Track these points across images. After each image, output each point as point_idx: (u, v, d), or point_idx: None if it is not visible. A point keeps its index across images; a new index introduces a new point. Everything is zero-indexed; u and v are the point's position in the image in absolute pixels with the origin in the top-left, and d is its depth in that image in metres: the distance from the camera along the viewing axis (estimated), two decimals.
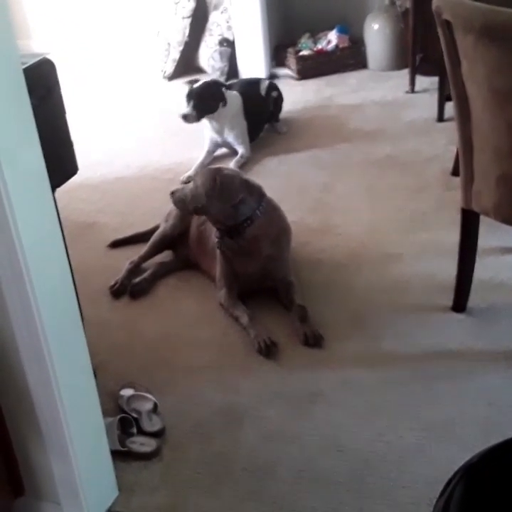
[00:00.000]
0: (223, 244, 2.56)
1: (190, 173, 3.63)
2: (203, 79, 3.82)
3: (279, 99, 4.04)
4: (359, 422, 2.04)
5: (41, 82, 1.85)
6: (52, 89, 1.92)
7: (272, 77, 4.29)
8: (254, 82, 4.04)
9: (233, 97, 3.74)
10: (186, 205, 2.58)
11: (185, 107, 3.59)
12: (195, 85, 3.64)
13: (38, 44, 5.55)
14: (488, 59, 1.94)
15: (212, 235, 2.66)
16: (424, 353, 2.28)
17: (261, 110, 3.92)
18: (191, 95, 3.59)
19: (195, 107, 3.58)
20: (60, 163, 1.94)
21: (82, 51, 5.65)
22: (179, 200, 2.59)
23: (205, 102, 3.60)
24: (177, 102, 4.64)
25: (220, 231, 2.56)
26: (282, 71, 4.71)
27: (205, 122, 3.71)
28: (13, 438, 1.74)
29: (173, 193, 2.61)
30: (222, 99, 3.66)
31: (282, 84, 4.37)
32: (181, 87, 3.82)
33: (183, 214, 2.82)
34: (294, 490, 1.85)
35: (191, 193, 2.55)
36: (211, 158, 3.80)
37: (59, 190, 1.92)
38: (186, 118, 3.59)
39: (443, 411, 2.04)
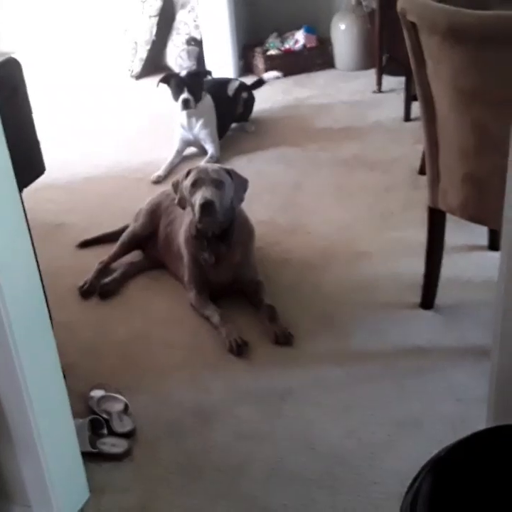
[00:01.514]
0: (205, 257, 2.54)
1: (159, 172, 3.62)
2: (181, 71, 3.89)
3: (249, 100, 4.06)
4: (330, 419, 2.06)
5: (6, 82, 1.83)
6: (18, 88, 1.90)
7: (259, 83, 4.29)
8: (223, 83, 4.05)
9: (206, 95, 3.75)
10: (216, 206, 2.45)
11: (182, 94, 3.61)
12: (182, 74, 3.70)
13: (2, 43, 5.47)
14: (453, 60, 1.97)
15: (179, 237, 2.66)
16: (393, 350, 2.30)
17: (228, 110, 3.93)
18: (183, 82, 3.63)
19: (190, 93, 3.62)
20: (27, 163, 1.92)
21: (48, 50, 5.59)
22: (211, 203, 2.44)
23: (195, 88, 3.66)
24: (145, 101, 4.65)
25: (209, 239, 2.53)
26: (269, 75, 4.68)
27: (179, 118, 3.72)
28: None
29: (210, 203, 2.44)
30: (203, 89, 3.73)
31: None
32: (153, 86, 3.80)
33: (151, 217, 2.85)
34: (265, 488, 1.86)
35: (217, 189, 2.47)
36: (180, 157, 3.79)
37: (26, 191, 1.90)
38: (188, 102, 3.62)
39: (412, 407, 2.07)
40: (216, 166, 2.65)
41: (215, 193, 2.46)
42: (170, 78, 3.70)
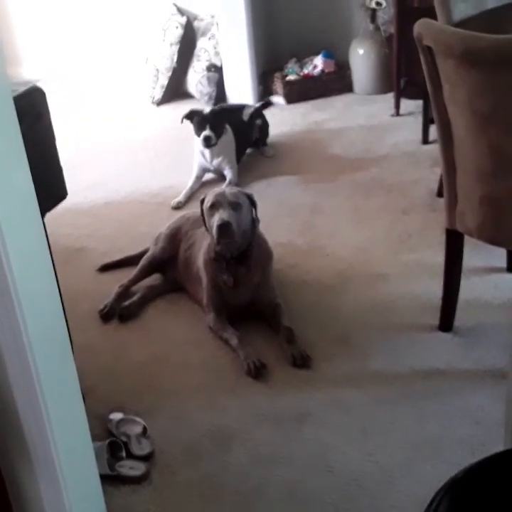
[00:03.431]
0: (223, 279, 2.56)
1: (180, 198, 3.65)
2: (204, 108, 3.89)
3: (264, 126, 4.11)
4: (348, 441, 2.05)
5: (31, 110, 1.88)
6: (42, 116, 1.95)
7: (267, 104, 4.35)
8: (238, 108, 4.10)
9: (227, 130, 3.79)
10: (233, 229, 2.48)
11: (204, 131, 3.64)
12: (205, 112, 3.73)
13: (27, 71, 5.59)
14: (469, 83, 1.98)
15: (198, 260, 2.69)
16: (411, 373, 2.30)
17: (243, 135, 3.97)
18: (206, 120, 3.67)
19: (212, 130, 3.66)
20: (50, 187, 1.96)
21: (71, 77, 5.70)
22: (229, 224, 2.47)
23: (218, 125, 3.69)
24: (165, 127, 4.71)
25: (228, 261, 2.55)
26: (276, 99, 4.77)
27: (198, 145, 3.76)
28: (2, 462, 1.73)
29: (226, 224, 2.47)
30: (225, 124, 3.77)
31: (270, 109, 4.43)
32: (174, 112, 3.84)
33: (171, 240, 2.88)
34: (283, 510, 1.86)
35: (235, 211, 2.50)
36: (200, 183, 3.83)
37: (48, 215, 1.94)
38: (209, 139, 3.65)
39: (431, 430, 2.06)
40: (235, 189, 2.69)
41: (232, 215, 2.49)
42: (193, 115, 3.74)
